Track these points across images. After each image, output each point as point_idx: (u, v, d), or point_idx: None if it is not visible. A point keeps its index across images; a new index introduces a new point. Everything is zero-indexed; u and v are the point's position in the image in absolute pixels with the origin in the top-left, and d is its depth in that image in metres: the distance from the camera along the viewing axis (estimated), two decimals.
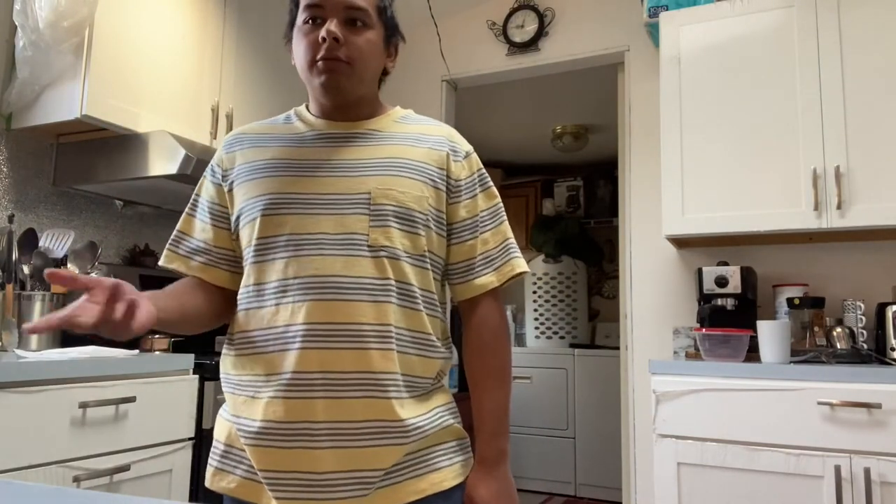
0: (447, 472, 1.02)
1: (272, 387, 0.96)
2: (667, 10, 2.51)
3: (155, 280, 2.45)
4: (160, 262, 1.13)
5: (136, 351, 1.89)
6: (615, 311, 4.38)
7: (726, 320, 2.30)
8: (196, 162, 2.01)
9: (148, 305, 0.89)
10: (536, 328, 4.55)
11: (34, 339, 1.86)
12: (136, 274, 2.39)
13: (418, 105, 3.18)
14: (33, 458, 1.47)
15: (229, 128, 2.45)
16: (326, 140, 1.08)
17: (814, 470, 1.86)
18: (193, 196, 1.15)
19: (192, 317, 1.04)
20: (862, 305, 2.22)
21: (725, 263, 2.41)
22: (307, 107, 1.16)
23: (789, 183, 2.23)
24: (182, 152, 1.99)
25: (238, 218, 1.06)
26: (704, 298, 2.37)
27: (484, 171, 1.15)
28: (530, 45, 3.08)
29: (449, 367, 1.11)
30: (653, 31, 2.66)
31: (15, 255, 1.91)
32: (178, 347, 2.14)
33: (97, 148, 2.13)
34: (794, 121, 2.25)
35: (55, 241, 2.01)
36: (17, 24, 1.96)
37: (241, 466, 1.00)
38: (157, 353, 1.99)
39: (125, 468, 1.67)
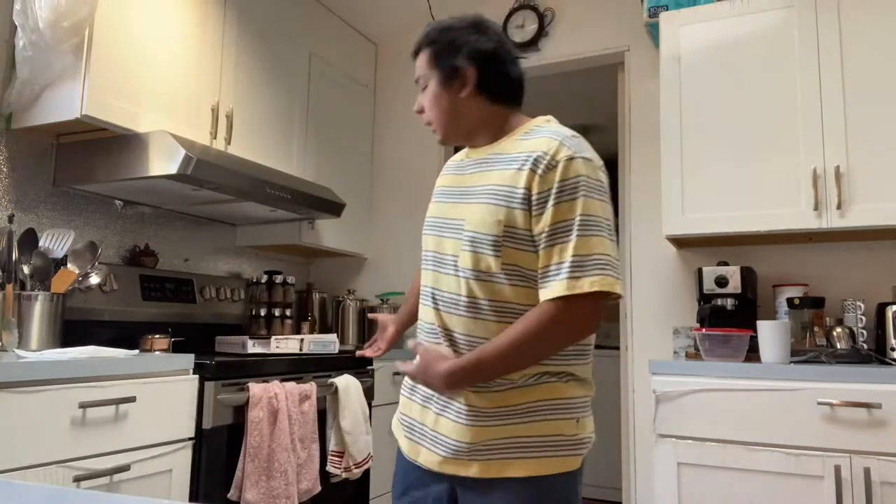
0: (517, 465, 1.15)
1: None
2: (667, 10, 2.51)
3: (155, 280, 2.46)
4: None
5: (136, 351, 1.89)
6: (615, 311, 4.37)
7: (726, 320, 2.30)
8: (196, 162, 2.01)
9: (388, 336, 1.53)
10: None
11: (34, 339, 1.86)
12: (136, 274, 2.39)
13: None
14: (33, 458, 1.47)
15: (229, 128, 2.45)
16: (467, 168, 1.30)
17: (814, 470, 1.86)
18: None
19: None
20: (862, 305, 2.22)
21: (725, 263, 2.41)
22: None
23: (789, 183, 2.23)
24: (182, 152, 1.99)
25: None
26: (704, 298, 2.37)
27: (571, 181, 1.14)
28: (530, 45, 3.08)
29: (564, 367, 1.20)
30: (653, 31, 2.66)
31: (15, 255, 1.91)
32: (178, 347, 2.14)
33: (97, 148, 2.13)
34: (794, 121, 2.25)
35: (55, 241, 2.01)
36: (17, 24, 1.96)
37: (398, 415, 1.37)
38: (157, 353, 1.99)
39: (125, 468, 1.67)
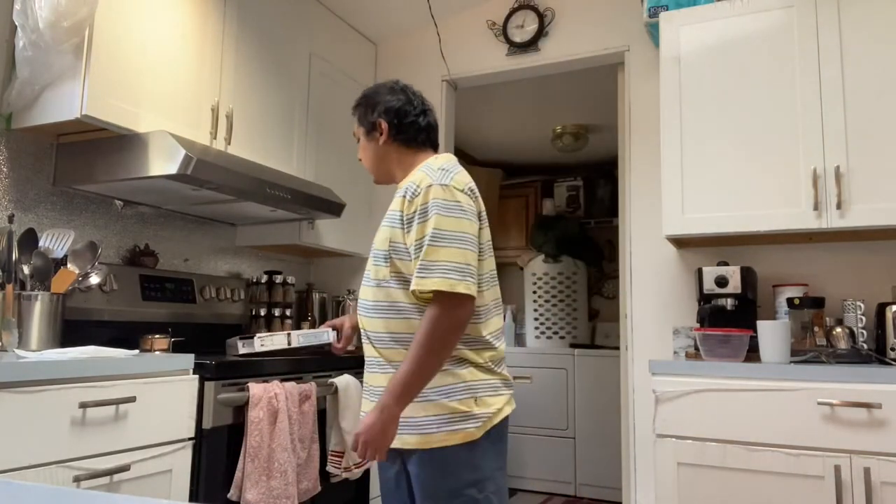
0: (417, 438, 1.46)
1: None
2: (667, 10, 2.51)
3: (154, 280, 2.46)
4: None
5: (136, 351, 1.89)
6: (615, 311, 4.37)
7: (726, 320, 2.30)
8: (196, 162, 2.01)
9: (346, 334, 1.85)
10: (536, 328, 4.54)
11: (34, 339, 1.86)
12: (136, 274, 2.40)
13: None
14: (33, 458, 1.47)
15: (229, 128, 2.45)
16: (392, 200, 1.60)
17: (814, 470, 1.86)
18: None
19: None
20: (862, 305, 2.22)
21: (725, 263, 2.41)
22: None
23: (789, 183, 2.23)
24: (182, 152, 1.99)
25: None
26: (704, 298, 2.37)
27: (429, 204, 1.44)
28: (530, 45, 3.08)
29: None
30: (653, 31, 2.66)
31: (15, 255, 1.91)
32: (178, 347, 2.14)
33: (97, 148, 2.13)
34: (794, 121, 2.25)
35: (55, 241, 2.01)
36: (17, 24, 1.95)
37: None
38: (157, 353, 1.99)
39: (125, 468, 1.67)
